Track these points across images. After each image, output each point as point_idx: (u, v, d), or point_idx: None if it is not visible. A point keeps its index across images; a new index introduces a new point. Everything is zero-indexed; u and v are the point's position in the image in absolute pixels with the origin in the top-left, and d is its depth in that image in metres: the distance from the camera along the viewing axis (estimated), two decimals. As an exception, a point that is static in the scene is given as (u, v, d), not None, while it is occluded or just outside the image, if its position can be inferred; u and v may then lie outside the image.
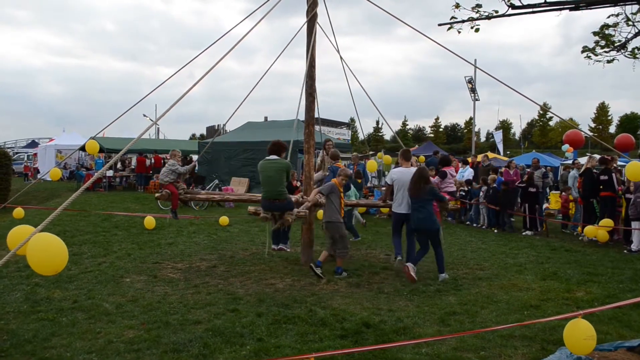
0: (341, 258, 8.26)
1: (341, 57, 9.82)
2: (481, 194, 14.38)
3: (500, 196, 13.58)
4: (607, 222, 10.51)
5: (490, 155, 26.99)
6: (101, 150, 23.40)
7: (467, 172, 15.84)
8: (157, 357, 4.85)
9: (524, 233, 13.06)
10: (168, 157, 11.45)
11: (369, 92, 9.80)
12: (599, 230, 10.44)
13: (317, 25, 9.07)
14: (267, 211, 7.80)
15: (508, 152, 45.82)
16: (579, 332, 3.57)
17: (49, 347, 5.05)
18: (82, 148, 23.39)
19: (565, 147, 18.21)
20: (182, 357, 4.85)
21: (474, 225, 14.47)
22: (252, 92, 9.77)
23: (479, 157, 18.89)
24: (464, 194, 15.06)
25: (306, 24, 8.97)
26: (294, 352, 4.96)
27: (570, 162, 19.48)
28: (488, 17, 6.88)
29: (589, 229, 10.64)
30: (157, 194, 9.58)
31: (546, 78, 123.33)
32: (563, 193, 14.09)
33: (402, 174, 8.61)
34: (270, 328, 5.64)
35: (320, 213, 10.32)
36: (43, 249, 3.59)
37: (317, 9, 8.94)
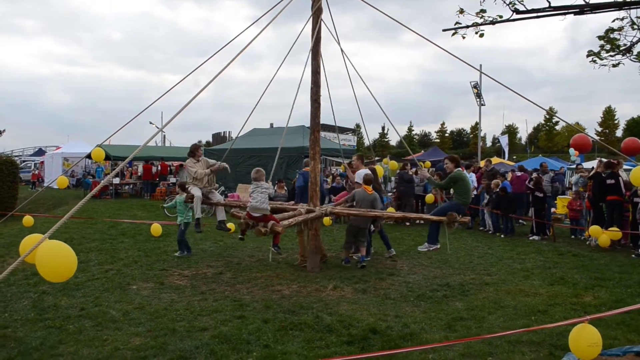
0: (363, 247, 9.54)
1: (348, 60, 9.84)
2: (487, 197, 14.33)
3: (502, 201, 13.53)
4: (614, 230, 10.42)
5: (496, 160, 26.93)
6: (107, 157, 23.53)
7: (472, 179, 15.80)
8: (164, 364, 4.86)
9: (530, 238, 13.00)
10: (253, 177, 7.81)
11: (375, 97, 9.79)
12: (604, 234, 10.36)
13: (322, 32, 9.10)
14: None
15: (514, 157, 45.70)
16: (584, 337, 3.55)
17: (56, 354, 5.07)
18: (89, 156, 23.63)
19: (573, 151, 18.15)
20: (188, 364, 4.85)
21: (480, 228, 14.42)
22: (257, 98, 9.80)
23: (482, 163, 18.84)
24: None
25: (310, 30, 9.00)
26: (301, 358, 4.96)
27: (573, 166, 19.39)
28: (492, 22, 6.88)
29: (594, 229, 10.53)
30: (261, 228, 7.39)
31: (553, 82, 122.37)
32: (572, 197, 13.97)
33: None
34: (277, 334, 5.63)
35: (326, 220, 10.35)
36: (52, 256, 3.59)
37: (321, 15, 8.98)
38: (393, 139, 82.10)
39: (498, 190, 13.82)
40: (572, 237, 13.24)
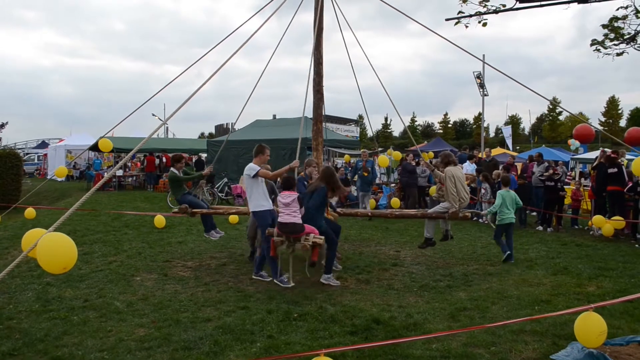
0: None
1: (360, 48, 9.79)
2: (483, 190, 14.23)
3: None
4: (618, 219, 10.37)
5: (499, 150, 26.83)
6: (111, 149, 23.57)
7: (471, 168, 15.78)
8: (168, 355, 4.87)
9: (537, 228, 12.98)
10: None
11: (378, 87, 9.72)
12: (607, 223, 10.30)
13: (329, 22, 9.06)
14: None
15: (517, 147, 45.57)
16: (590, 325, 3.54)
17: (60, 345, 5.09)
18: (92, 148, 23.70)
19: (572, 141, 18.10)
20: (192, 355, 4.87)
21: (479, 220, 14.37)
22: (260, 89, 9.76)
23: (484, 154, 18.79)
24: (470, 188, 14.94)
25: (313, 19, 8.95)
26: (304, 348, 4.97)
27: (577, 156, 19.35)
28: (495, 12, 6.85)
29: (598, 219, 10.46)
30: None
31: (560, 72, 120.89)
32: (574, 187, 13.96)
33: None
34: (281, 325, 5.65)
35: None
36: (51, 247, 3.59)
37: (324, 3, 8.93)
38: (396, 130, 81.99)
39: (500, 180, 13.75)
40: (575, 227, 13.22)
